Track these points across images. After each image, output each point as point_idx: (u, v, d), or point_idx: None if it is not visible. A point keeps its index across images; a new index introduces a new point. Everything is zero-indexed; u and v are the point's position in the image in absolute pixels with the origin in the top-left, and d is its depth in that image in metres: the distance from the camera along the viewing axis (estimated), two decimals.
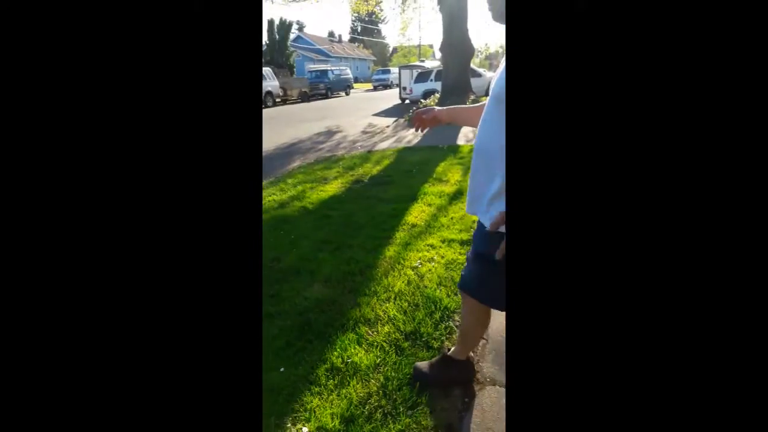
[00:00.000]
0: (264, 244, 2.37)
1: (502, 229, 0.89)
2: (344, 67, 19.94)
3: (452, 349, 1.32)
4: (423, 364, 1.32)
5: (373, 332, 1.54)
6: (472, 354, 1.37)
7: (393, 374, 1.32)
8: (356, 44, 40.24)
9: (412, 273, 1.94)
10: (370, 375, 1.33)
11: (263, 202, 3.21)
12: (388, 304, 1.70)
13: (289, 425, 1.16)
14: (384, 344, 1.46)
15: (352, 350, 1.43)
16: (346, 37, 42.60)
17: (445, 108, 1.22)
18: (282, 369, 1.36)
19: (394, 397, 1.23)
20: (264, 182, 3.86)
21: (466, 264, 1.16)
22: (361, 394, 1.25)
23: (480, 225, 1.03)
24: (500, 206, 0.93)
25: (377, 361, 1.38)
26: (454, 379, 1.29)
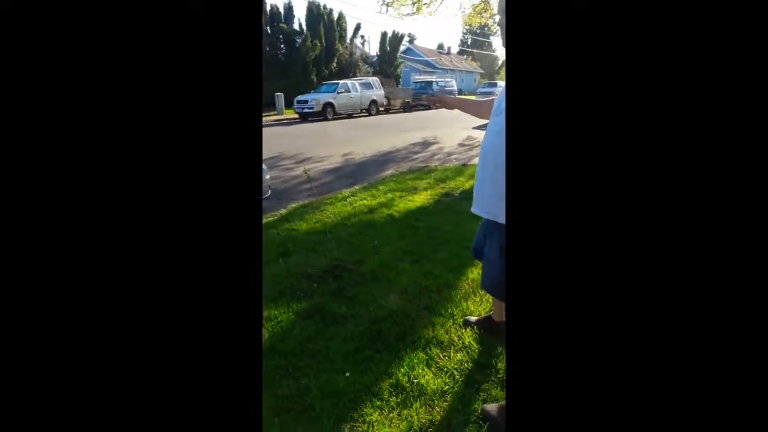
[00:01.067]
0: (348, 246, 2.45)
1: None
2: (449, 79, 19.96)
3: (493, 312, 1.37)
4: (492, 407, 1.20)
5: (444, 356, 1.45)
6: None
7: (460, 407, 1.22)
8: (464, 56, 40.05)
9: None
10: (435, 402, 1.25)
11: (354, 205, 3.34)
12: (464, 330, 1.59)
13: None
14: (455, 372, 1.36)
15: (420, 371, 1.37)
16: (455, 50, 42.74)
17: (455, 98, 1.47)
18: (347, 374, 1.36)
19: None
20: (356, 187, 4.02)
21: (487, 265, 1.21)
22: (423, 421, 1.18)
23: (496, 223, 1.15)
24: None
25: (444, 389, 1.30)
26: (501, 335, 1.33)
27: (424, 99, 16.88)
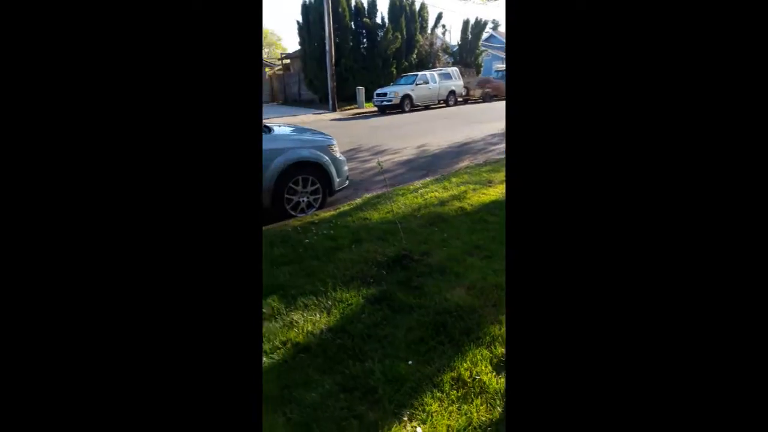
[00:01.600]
0: (418, 237, 2.46)
1: None
2: None
3: None
4: None
5: None
6: None
7: None
8: None
9: None
10: (497, 401, 1.21)
11: (425, 197, 3.33)
12: None
13: (405, 419, 1.18)
14: None
15: (483, 367, 1.34)
16: None
17: None
18: (410, 362, 1.39)
19: None
20: (429, 179, 4.00)
21: None
22: (483, 419, 1.16)
23: None
24: None
25: (503, 390, 1.25)
26: None
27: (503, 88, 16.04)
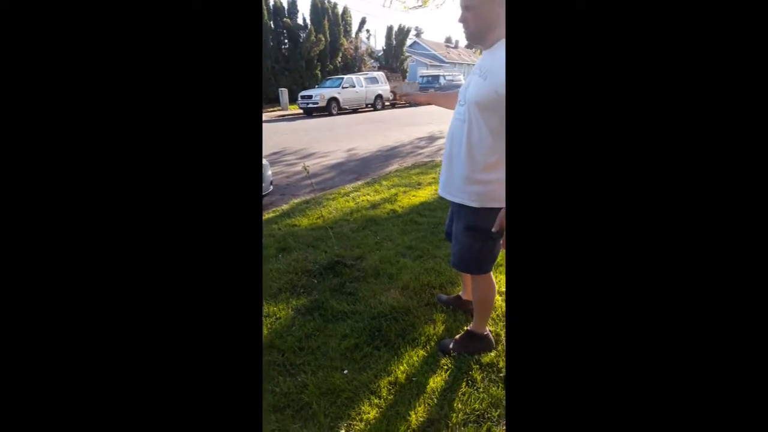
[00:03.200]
0: (350, 242, 2.42)
1: (493, 204, 1.16)
2: (456, 73, 19.75)
3: (471, 324, 1.45)
4: (447, 341, 1.45)
5: (445, 354, 1.42)
6: (490, 328, 1.48)
7: (460, 406, 1.19)
8: (473, 50, 39.59)
9: (500, 299, 1.76)
10: (435, 400, 1.22)
11: (357, 201, 3.31)
12: (466, 328, 1.56)
13: (342, 431, 1.13)
14: (455, 370, 1.34)
15: (420, 368, 1.35)
16: (463, 43, 42.26)
17: (424, 94, 1.50)
18: (345, 371, 1.35)
19: None
20: (360, 183, 3.99)
21: (455, 243, 1.29)
22: (422, 419, 1.16)
23: (461, 205, 1.22)
24: (475, 188, 1.18)
25: (444, 387, 1.27)
26: (478, 350, 1.40)
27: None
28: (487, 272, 1.31)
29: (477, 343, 1.41)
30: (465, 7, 1.09)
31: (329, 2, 17.48)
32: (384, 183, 3.87)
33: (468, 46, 42.12)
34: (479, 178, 1.17)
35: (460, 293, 1.71)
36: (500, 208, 1.15)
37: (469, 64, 34.18)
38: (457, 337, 1.46)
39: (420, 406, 1.20)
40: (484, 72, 1.11)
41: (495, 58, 1.08)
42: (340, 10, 17.95)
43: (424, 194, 3.45)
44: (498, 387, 1.27)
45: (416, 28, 30.32)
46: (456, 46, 38.48)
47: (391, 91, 14.41)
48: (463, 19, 1.11)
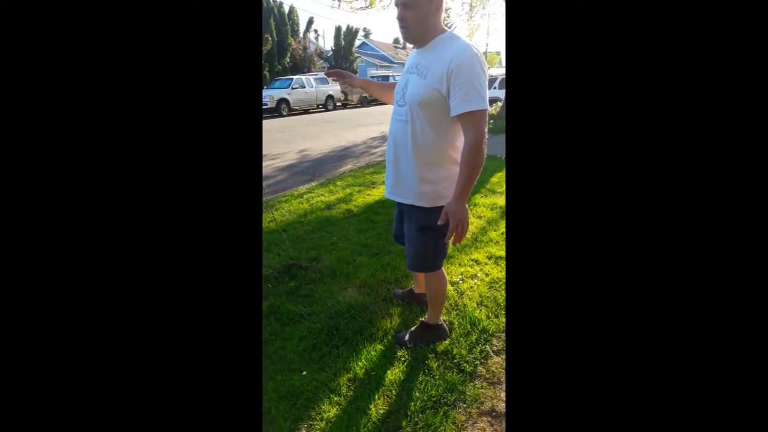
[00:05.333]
0: (306, 244, 2.40)
1: (443, 203, 1.16)
2: None
3: (426, 316, 1.49)
4: (403, 333, 1.49)
5: (402, 346, 1.46)
6: (444, 318, 1.55)
7: (418, 395, 1.23)
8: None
9: (452, 289, 1.83)
10: (394, 391, 1.25)
11: (311, 202, 3.27)
12: (421, 319, 1.61)
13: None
14: (412, 360, 1.38)
15: (378, 362, 1.37)
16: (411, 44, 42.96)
17: (360, 78, 1.48)
18: (304, 372, 1.34)
19: (416, 419, 1.15)
20: (314, 184, 3.95)
21: (409, 244, 1.30)
22: (382, 411, 1.18)
23: (412, 206, 1.23)
24: (424, 188, 1.18)
25: (402, 378, 1.31)
26: (433, 340, 1.45)
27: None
28: (436, 270, 1.34)
29: (432, 332, 1.46)
30: (404, 5, 1.08)
31: (275, 1, 17.03)
32: (338, 183, 3.86)
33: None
34: (428, 178, 1.17)
35: (413, 287, 1.74)
36: None
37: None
38: (413, 328, 1.50)
39: (379, 399, 1.22)
40: (423, 71, 1.12)
41: (433, 56, 1.10)
42: (286, 9, 17.55)
43: (378, 193, 3.49)
44: (453, 372, 1.32)
45: (365, 29, 30.43)
46: (404, 47, 39.09)
47: (342, 92, 14.35)
48: (401, 17, 1.10)
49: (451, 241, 1.11)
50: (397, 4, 1.10)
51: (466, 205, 1.10)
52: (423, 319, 1.51)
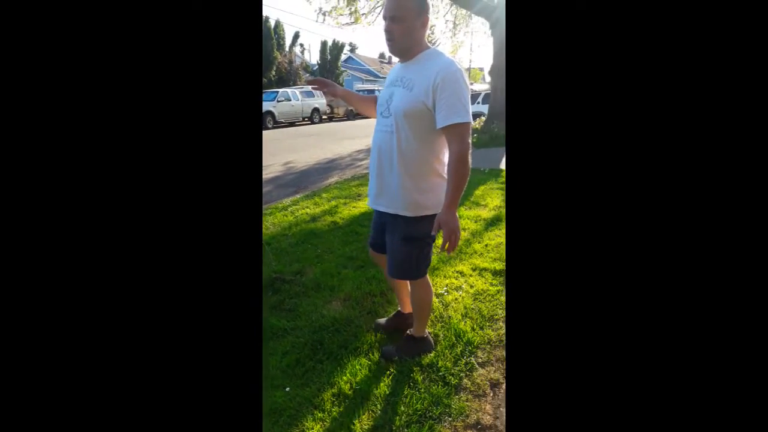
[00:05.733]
0: (290, 257, 2.37)
1: (426, 212, 1.20)
2: None
3: (412, 329, 1.47)
4: (389, 348, 1.47)
5: (389, 361, 1.45)
6: (429, 330, 1.53)
7: (403, 409, 1.22)
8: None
9: (437, 301, 1.83)
10: (379, 406, 1.24)
11: (296, 214, 3.25)
12: (408, 332, 1.60)
13: None
14: (397, 374, 1.37)
15: (362, 376, 1.35)
16: (396, 59, 43.75)
17: (342, 88, 1.47)
18: (287, 389, 1.31)
19: None
20: (299, 196, 3.93)
21: (392, 254, 1.30)
22: (366, 426, 1.16)
23: (396, 216, 1.24)
24: (409, 197, 1.19)
25: (387, 392, 1.29)
26: (419, 353, 1.44)
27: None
28: (424, 275, 1.34)
29: (418, 345, 1.45)
30: (392, 19, 1.10)
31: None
32: (324, 195, 3.85)
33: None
34: (412, 188, 1.19)
35: (399, 309, 1.64)
36: (433, 215, 1.19)
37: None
38: (399, 342, 1.49)
39: (364, 414, 1.21)
40: (408, 83, 1.15)
41: (419, 70, 1.13)
42: (272, 23, 17.70)
43: (364, 205, 3.49)
44: (438, 386, 1.32)
45: (350, 44, 30.86)
46: (390, 62, 39.77)
47: (328, 105, 14.44)
48: (388, 30, 1.12)
49: (441, 249, 1.12)
50: (385, 17, 1.13)
51: (457, 215, 1.12)
52: (409, 332, 1.50)
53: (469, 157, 1.10)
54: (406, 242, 1.25)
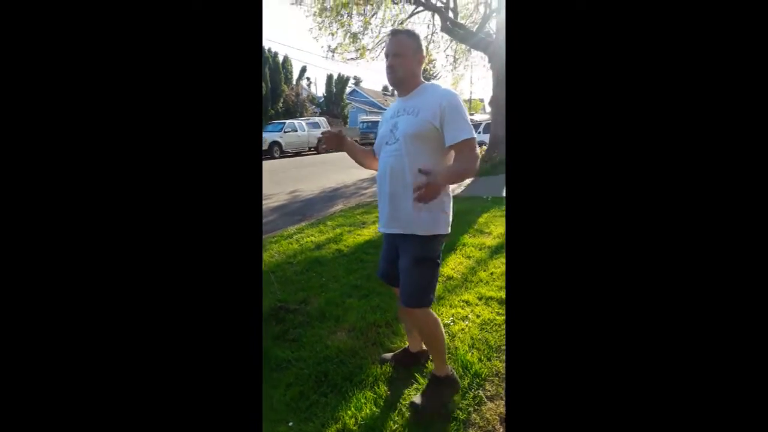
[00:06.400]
0: (294, 285, 2.36)
1: (438, 231, 1.26)
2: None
3: (433, 368, 1.40)
4: (417, 398, 1.32)
5: (392, 393, 1.40)
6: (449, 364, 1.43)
7: None
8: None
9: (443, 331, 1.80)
10: None
11: (301, 242, 3.26)
12: (430, 371, 1.57)
13: None
14: (403, 408, 1.32)
15: (368, 411, 1.31)
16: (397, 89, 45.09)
17: (348, 141, 1.48)
18: (291, 423, 1.27)
19: None
20: (304, 224, 3.96)
21: (405, 279, 1.28)
22: None
23: (408, 236, 1.26)
24: (423, 216, 1.23)
25: (394, 427, 1.25)
26: (450, 397, 1.35)
27: (371, 137, 17.47)
28: (430, 304, 1.30)
29: (445, 388, 1.35)
30: (395, 55, 1.27)
31: (270, 52, 17.96)
32: (329, 223, 3.87)
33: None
34: (424, 205, 1.18)
35: (408, 346, 1.58)
36: (443, 235, 1.27)
37: None
38: (423, 389, 1.36)
39: None
40: (413, 110, 1.25)
41: (421, 100, 1.27)
42: (281, 58, 18.48)
43: (368, 233, 3.50)
44: (446, 422, 1.27)
45: (355, 77, 31.98)
46: (392, 94, 41.05)
47: (318, 138, 14.80)
48: (391, 65, 1.28)
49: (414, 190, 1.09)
50: (387, 55, 1.29)
51: (443, 186, 1.19)
52: (433, 372, 1.39)
53: (476, 165, 1.22)
54: (419, 263, 1.25)
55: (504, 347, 1.67)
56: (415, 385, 1.44)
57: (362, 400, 1.36)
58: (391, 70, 1.28)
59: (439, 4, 8.71)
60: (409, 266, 1.27)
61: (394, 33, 1.33)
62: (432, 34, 10.06)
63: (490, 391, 1.42)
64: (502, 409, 1.32)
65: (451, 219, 1.31)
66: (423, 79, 1.34)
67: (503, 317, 1.91)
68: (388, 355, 1.60)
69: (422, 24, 9.87)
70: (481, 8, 9.30)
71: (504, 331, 1.79)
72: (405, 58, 1.27)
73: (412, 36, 1.31)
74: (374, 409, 1.32)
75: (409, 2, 8.00)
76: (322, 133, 1.50)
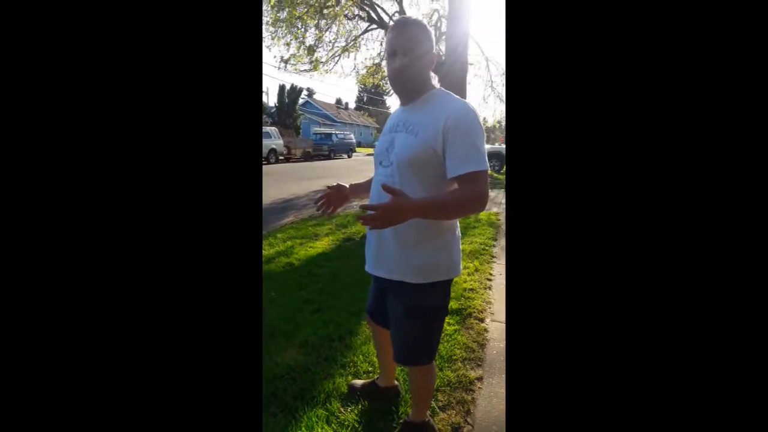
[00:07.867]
0: None
1: (439, 278, 1.00)
2: (348, 132, 21.01)
3: (410, 413, 1.23)
4: (358, 382, 1.29)
5: (345, 409, 1.37)
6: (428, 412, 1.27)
7: None
8: (362, 112, 42.92)
9: None
10: None
11: None
12: (366, 378, 1.55)
13: None
14: (356, 425, 1.30)
15: (319, 429, 1.27)
16: (352, 105, 45.60)
17: (347, 188, 1.23)
18: None
19: None
20: None
21: (396, 332, 1.08)
22: None
23: (400, 282, 1.02)
24: (416, 260, 0.98)
25: None
26: None
27: (324, 149, 17.39)
28: (430, 362, 1.09)
29: None
30: (404, 54, 0.96)
31: None
32: (279, 236, 3.76)
33: (357, 109, 45.70)
34: (420, 248, 0.98)
35: (376, 379, 1.42)
36: (448, 281, 1.01)
37: (358, 125, 36.73)
38: None
39: None
40: (413, 128, 0.97)
41: (425, 112, 0.98)
42: None
43: (321, 245, 3.44)
44: None
45: (308, 89, 31.83)
46: (346, 108, 41.34)
47: (285, 145, 14.48)
48: (398, 67, 0.98)
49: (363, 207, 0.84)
50: (394, 54, 0.98)
51: (413, 215, 0.85)
52: (406, 418, 1.24)
53: (480, 205, 0.91)
54: (412, 316, 1.01)
55: (454, 357, 1.71)
56: (368, 402, 1.42)
57: (314, 419, 1.31)
58: (398, 73, 0.97)
59: (391, 23, 8.99)
60: (399, 320, 1.04)
61: (402, 24, 0.99)
62: (384, 52, 10.30)
63: (441, 401, 1.43)
64: (454, 419, 1.34)
65: (459, 259, 1.05)
66: (434, 84, 1.03)
67: (453, 327, 1.96)
68: (358, 382, 1.45)
69: (375, 41, 10.09)
70: (432, 30, 9.75)
71: (454, 341, 1.84)
72: (417, 58, 0.96)
73: (424, 29, 0.99)
74: (326, 427, 1.28)
75: (363, 19, 8.16)
76: (320, 197, 1.23)
